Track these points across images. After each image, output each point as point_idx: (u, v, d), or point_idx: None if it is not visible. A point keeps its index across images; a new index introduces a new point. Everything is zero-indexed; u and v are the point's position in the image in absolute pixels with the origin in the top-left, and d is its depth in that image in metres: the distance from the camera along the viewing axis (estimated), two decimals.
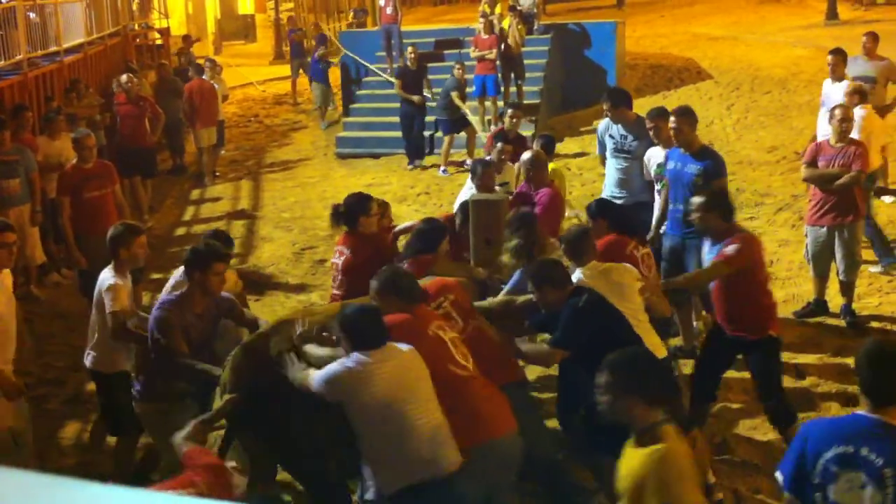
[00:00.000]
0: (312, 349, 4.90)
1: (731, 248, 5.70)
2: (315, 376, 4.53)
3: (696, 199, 6.00)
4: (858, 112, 8.78)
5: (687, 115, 7.31)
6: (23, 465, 5.83)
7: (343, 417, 4.51)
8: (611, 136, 8.13)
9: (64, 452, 6.91)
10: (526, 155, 7.80)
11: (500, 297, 5.81)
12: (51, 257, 10.35)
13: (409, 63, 15.42)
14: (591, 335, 4.95)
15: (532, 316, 5.52)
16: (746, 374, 7.09)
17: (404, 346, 4.55)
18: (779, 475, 3.65)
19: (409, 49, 15.61)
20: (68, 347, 8.75)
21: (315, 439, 4.99)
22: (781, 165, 13.04)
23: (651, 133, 7.67)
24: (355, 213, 6.41)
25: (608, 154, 8.20)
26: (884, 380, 3.42)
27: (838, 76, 10.09)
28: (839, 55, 10.24)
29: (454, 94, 14.58)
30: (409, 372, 4.45)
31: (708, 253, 5.99)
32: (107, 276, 5.91)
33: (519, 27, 16.58)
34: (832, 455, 3.39)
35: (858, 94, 9.15)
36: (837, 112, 7.90)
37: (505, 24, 16.62)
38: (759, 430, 6.44)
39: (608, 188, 8.16)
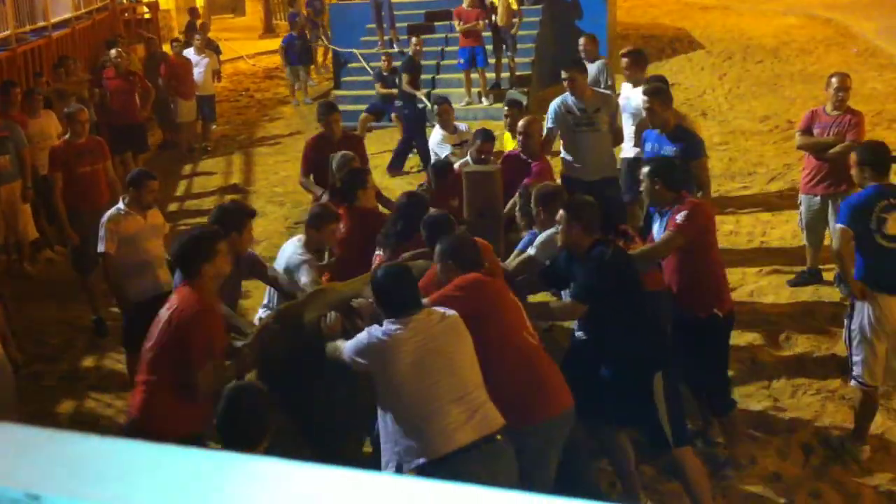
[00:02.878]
0: (361, 301, 4.91)
1: (681, 216, 5.43)
2: (346, 347, 4.48)
3: (644, 168, 5.79)
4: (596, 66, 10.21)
5: (658, 94, 7.02)
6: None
7: (368, 395, 4.47)
8: (569, 112, 7.94)
9: (59, 428, 6.90)
10: (520, 122, 7.78)
11: (519, 258, 5.78)
12: (43, 234, 10.31)
13: (413, 55, 14.13)
14: (609, 292, 4.94)
15: (542, 271, 5.50)
16: (738, 342, 7.16)
17: (448, 311, 4.40)
18: (838, 225, 5.71)
19: (415, 41, 14.56)
20: (62, 324, 8.74)
21: (340, 413, 4.98)
22: (774, 135, 13.03)
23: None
24: (353, 187, 6.43)
25: (570, 130, 7.94)
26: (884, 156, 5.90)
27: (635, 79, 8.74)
28: (632, 56, 9.02)
29: (405, 78, 13.41)
30: (443, 342, 4.29)
31: (657, 227, 5.75)
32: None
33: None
34: (882, 205, 5.59)
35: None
36: (834, 81, 7.81)
37: None
38: (754, 397, 6.48)
39: (573, 164, 7.98)
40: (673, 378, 5.02)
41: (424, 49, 17.47)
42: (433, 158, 9.31)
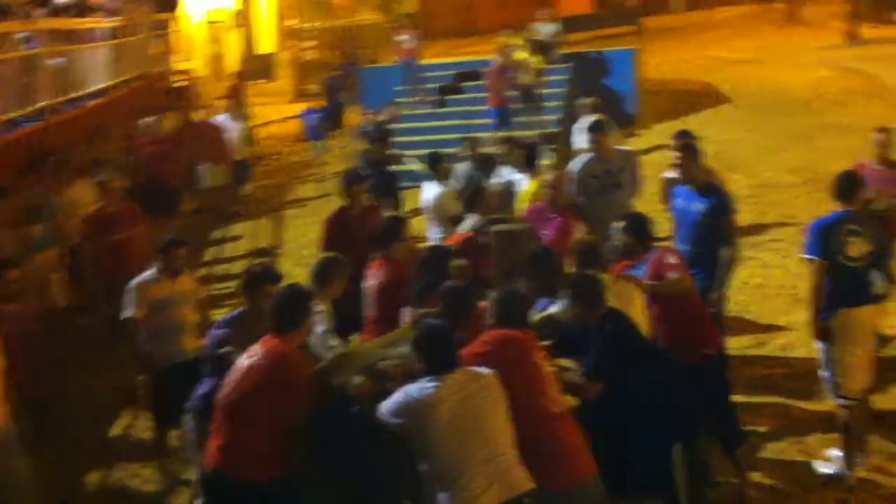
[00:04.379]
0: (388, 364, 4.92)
1: (672, 258, 5.80)
2: (381, 407, 4.47)
3: (619, 223, 6.07)
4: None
5: (688, 150, 6.99)
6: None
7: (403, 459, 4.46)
8: (595, 176, 7.99)
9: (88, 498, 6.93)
10: (549, 175, 7.76)
11: (541, 314, 5.68)
12: (77, 301, 10.37)
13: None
14: (620, 367, 4.88)
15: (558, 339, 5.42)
16: (771, 397, 7.04)
17: (483, 370, 4.42)
18: (808, 256, 5.98)
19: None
20: (93, 391, 8.75)
21: (374, 481, 4.93)
22: (806, 187, 12.91)
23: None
24: (388, 238, 6.51)
25: (595, 193, 7.97)
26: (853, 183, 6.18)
27: None
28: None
29: (377, 147, 11.48)
30: (477, 403, 4.31)
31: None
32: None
33: (535, 58, 16.60)
34: (845, 229, 5.92)
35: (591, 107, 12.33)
36: (879, 136, 7.59)
37: (517, 55, 16.74)
38: (787, 453, 6.35)
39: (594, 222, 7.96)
40: (695, 449, 4.91)
41: (457, 109, 17.67)
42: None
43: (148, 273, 6.98)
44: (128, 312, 6.86)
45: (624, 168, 7.97)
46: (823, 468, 6.14)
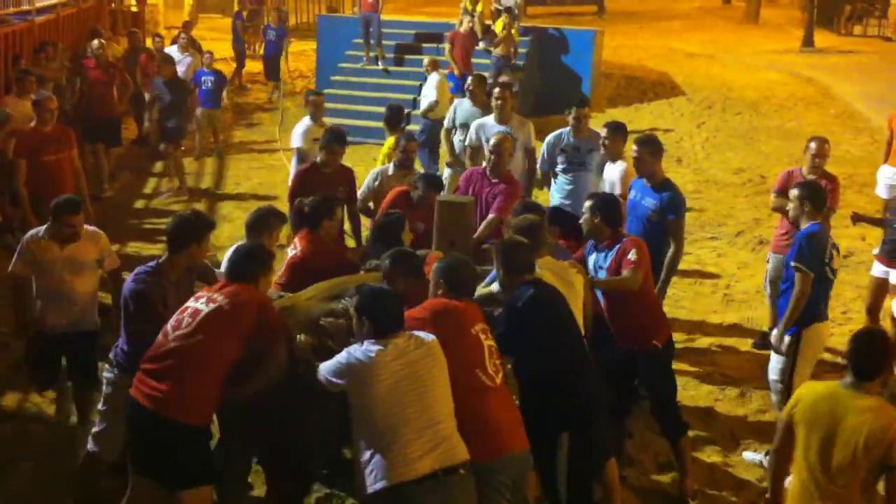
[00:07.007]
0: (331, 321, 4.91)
1: (633, 254, 5.67)
2: (322, 367, 4.45)
3: (586, 202, 5.99)
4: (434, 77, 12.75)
5: (649, 145, 6.91)
6: None
7: (337, 414, 4.47)
8: (563, 150, 8.00)
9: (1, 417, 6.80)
10: (492, 140, 7.69)
11: (482, 290, 5.56)
12: (5, 218, 10.15)
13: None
14: (528, 337, 4.86)
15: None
16: (695, 396, 7.16)
17: (426, 336, 4.41)
18: (797, 263, 5.86)
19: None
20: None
21: (307, 432, 4.89)
22: (746, 188, 13.12)
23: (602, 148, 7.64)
24: (319, 215, 6.41)
25: (559, 169, 8.03)
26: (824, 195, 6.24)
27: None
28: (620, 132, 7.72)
29: None
30: (420, 368, 4.30)
31: (593, 258, 5.95)
32: None
33: (514, 30, 16.54)
34: (831, 242, 5.98)
35: (433, 64, 13.39)
36: (813, 145, 7.54)
37: (497, 26, 16.69)
38: (704, 453, 6.46)
39: (556, 200, 8.04)
40: (587, 442, 4.92)
41: (411, 69, 17.51)
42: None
43: (38, 230, 6.29)
44: (10, 265, 6.30)
45: (593, 150, 7.87)
46: (750, 456, 6.36)
